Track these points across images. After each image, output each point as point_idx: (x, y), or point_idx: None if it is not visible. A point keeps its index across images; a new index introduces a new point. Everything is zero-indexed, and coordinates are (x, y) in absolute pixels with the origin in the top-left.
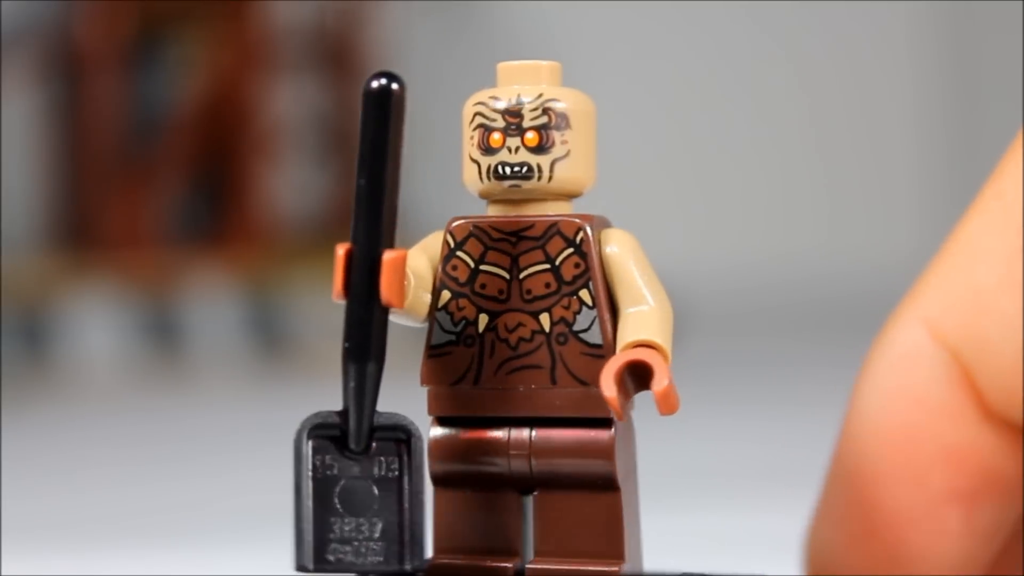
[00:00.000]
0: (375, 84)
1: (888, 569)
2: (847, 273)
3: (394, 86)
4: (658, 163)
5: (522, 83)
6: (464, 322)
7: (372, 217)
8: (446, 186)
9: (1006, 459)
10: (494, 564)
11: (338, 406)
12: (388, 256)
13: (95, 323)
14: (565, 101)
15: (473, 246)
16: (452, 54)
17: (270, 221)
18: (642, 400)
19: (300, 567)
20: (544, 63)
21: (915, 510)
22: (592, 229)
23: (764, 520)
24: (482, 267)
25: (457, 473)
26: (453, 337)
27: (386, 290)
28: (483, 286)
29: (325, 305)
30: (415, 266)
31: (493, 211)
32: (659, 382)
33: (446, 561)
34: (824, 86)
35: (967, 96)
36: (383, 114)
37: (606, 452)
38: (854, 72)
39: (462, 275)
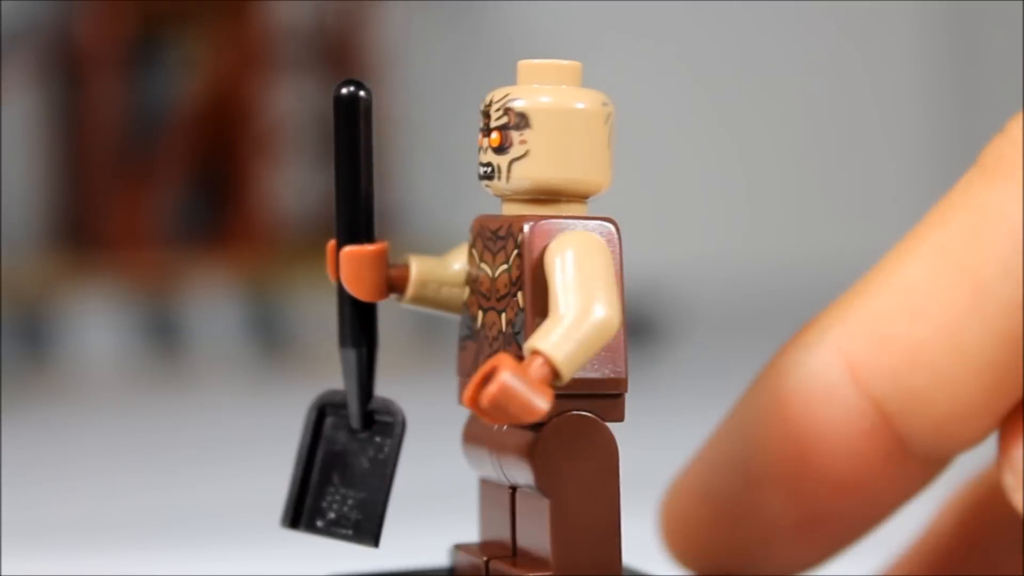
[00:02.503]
0: (343, 91)
1: (745, 562)
2: (847, 273)
3: (361, 93)
4: (657, 163)
5: (542, 82)
6: (470, 318)
7: (339, 215)
8: (444, 184)
9: (894, 487)
10: (476, 559)
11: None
12: (345, 250)
13: (96, 323)
14: (526, 100)
15: (477, 244)
16: (452, 54)
17: (271, 221)
18: (643, 399)
19: (290, 526)
20: (565, 62)
21: (786, 523)
22: (536, 231)
23: None
24: (480, 265)
25: (475, 466)
26: (467, 331)
27: (345, 282)
28: (479, 283)
29: (325, 305)
30: (439, 262)
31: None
32: (470, 391)
33: (463, 552)
34: (823, 87)
35: (967, 98)
36: (352, 120)
37: (529, 455)
38: (853, 73)
39: (472, 271)
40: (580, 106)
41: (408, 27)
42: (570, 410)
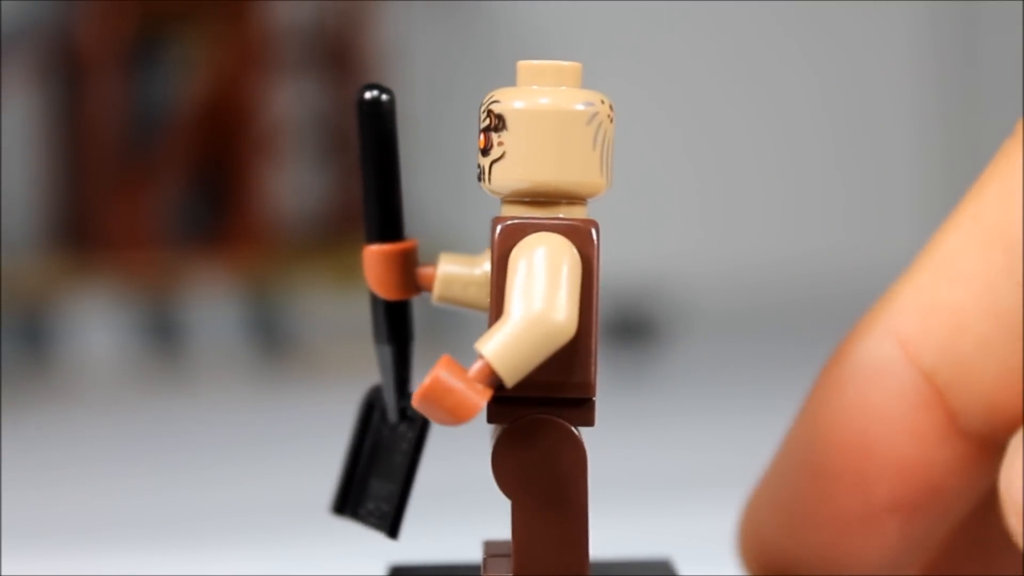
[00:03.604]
0: (366, 95)
1: (818, 564)
2: (846, 273)
3: (384, 97)
4: (656, 163)
5: (541, 83)
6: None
7: (366, 215)
8: (444, 185)
9: (956, 475)
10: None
11: (339, 405)
12: (367, 249)
13: (96, 323)
14: (503, 102)
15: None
16: (453, 55)
17: (271, 221)
18: (643, 399)
19: (336, 512)
20: (565, 63)
21: (855, 515)
22: (504, 232)
23: None
24: (484, 265)
25: None
26: None
27: (368, 280)
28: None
29: (326, 305)
30: (467, 262)
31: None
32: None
33: (487, 547)
34: (822, 86)
35: (967, 98)
36: (375, 123)
37: (490, 456)
38: (853, 72)
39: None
40: (556, 107)
41: (408, 27)
42: (536, 414)
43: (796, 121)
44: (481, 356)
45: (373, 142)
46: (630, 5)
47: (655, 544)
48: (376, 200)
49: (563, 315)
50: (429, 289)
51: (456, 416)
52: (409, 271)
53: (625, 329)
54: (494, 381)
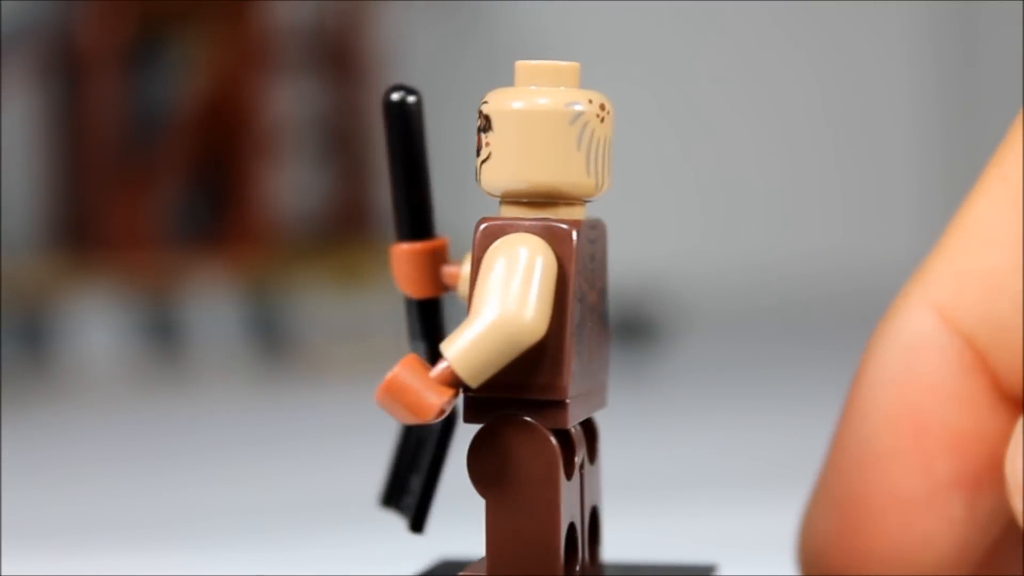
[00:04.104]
0: (393, 97)
1: (887, 558)
2: (847, 273)
3: (410, 98)
4: (656, 163)
5: (539, 83)
6: None
7: (395, 215)
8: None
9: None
10: None
11: (339, 405)
12: (393, 248)
13: (96, 323)
14: (491, 103)
15: None
16: (453, 55)
17: (270, 221)
18: (644, 399)
19: (383, 505)
20: (563, 63)
21: (919, 496)
22: (482, 233)
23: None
24: None
25: None
26: None
27: (394, 278)
28: None
29: (326, 305)
30: None
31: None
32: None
33: None
34: (823, 86)
35: (967, 98)
36: (402, 123)
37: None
38: (853, 72)
39: None
40: (535, 107)
41: (408, 27)
42: (511, 414)
43: (796, 121)
44: (443, 357)
45: (399, 142)
46: (630, 5)
47: (655, 544)
48: (403, 199)
49: (528, 316)
50: (455, 288)
51: (414, 415)
52: (436, 269)
53: (626, 329)
54: (456, 382)
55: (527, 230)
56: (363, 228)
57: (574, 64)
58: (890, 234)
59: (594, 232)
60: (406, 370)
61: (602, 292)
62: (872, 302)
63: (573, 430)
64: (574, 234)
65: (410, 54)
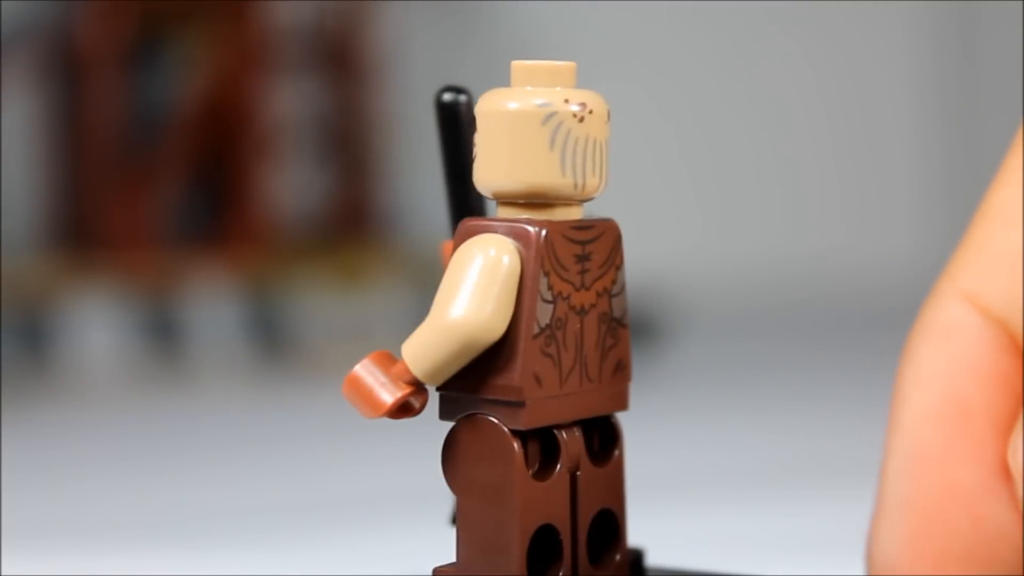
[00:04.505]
0: (445, 97)
1: (963, 556)
2: (847, 273)
3: (461, 98)
4: (656, 163)
5: (535, 83)
6: None
7: (449, 212)
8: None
9: None
10: None
11: (339, 405)
12: (444, 244)
13: (96, 323)
14: (478, 103)
15: None
16: (453, 55)
17: (270, 221)
18: (644, 398)
19: (453, 524)
20: (559, 63)
21: (977, 485)
22: (460, 233)
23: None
24: None
25: None
26: None
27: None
28: None
29: (326, 305)
30: None
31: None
32: None
33: None
34: (823, 85)
35: (967, 98)
36: (455, 123)
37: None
38: (853, 71)
39: None
40: (504, 108)
41: (408, 27)
42: (477, 413)
43: (796, 121)
44: (402, 356)
45: (450, 142)
46: (630, 5)
47: (655, 544)
48: (454, 197)
49: (481, 318)
50: None
51: (370, 410)
52: None
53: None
54: (413, 380)
55: (495, 231)
56: (363, 228)
57: (570, 64)
58: (890, 234)
59: (587, 232)
60: (366, 367)
61: (604, 292)
62: (873, 301)
63: (563, 432)
64: (540, 235)
65: (410, 54)
